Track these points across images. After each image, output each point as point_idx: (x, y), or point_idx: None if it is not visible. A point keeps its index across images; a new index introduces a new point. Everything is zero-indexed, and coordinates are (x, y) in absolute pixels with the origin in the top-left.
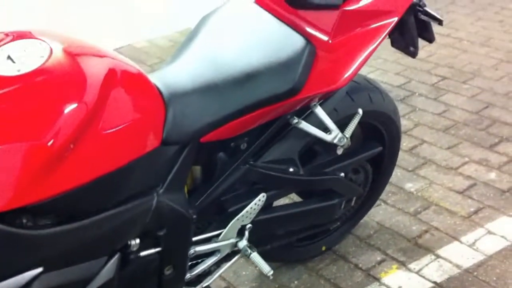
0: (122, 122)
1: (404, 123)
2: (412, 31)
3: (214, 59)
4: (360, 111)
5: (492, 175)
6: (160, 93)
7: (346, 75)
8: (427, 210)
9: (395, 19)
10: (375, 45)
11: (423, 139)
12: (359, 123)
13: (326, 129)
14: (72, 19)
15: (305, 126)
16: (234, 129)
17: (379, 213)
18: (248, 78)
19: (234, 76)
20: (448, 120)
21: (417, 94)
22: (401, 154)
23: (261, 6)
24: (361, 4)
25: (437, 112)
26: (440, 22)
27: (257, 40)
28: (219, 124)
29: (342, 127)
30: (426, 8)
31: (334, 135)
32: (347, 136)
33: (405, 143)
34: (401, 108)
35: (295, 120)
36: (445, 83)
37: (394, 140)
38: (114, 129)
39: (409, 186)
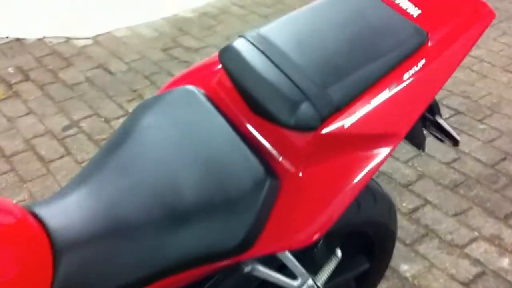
0: None
1: (407, 173)
2: (419, 135)
3: (137, 185)
4: (339, 253)
5: (505, 261)
6: (50, 238)
7: (318, 227)
8: None
9: (391, 147)
10: (361, 180)
11: (426, 199)
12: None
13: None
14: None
15: (262, 272)
16: None
17: None
18: (180, 222)
19: (160, 217)
20: (458, 174)
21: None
22: (399, 219)
23: (213, 102)
24: (345, 124)
25: (446, 161)
26: (455, 142)
27: (200, 160)
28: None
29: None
30: (439, 120)
31: (301, 283)
32: (318, 285)
33: (405, 202)
34: (405, 151)
35: (249, 268)
36: (458, 120)
37: (386, 250)
38: None
39: (405, 268)
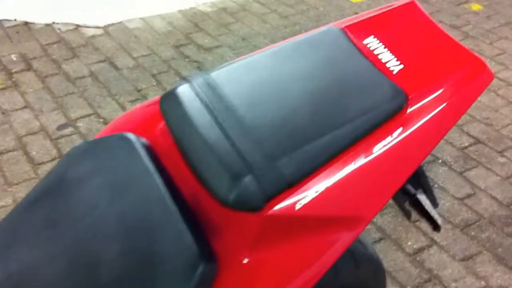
0: None
1: None
2: (403, 205)
3: (48, 256)
4: None
5: None
6: None
7: None
8: None
9: (356, 232)
10: (318, 269)
11: (433, 239)
12: None
13: None
14: None
15: None
16: None
17: None
18: None
19: None
20: (470, 212)
21: (440, 161)
22: (402, 260)
23: (153, 155)
24: (298, 204)
25: (459, 196)
26: (436, 227)
27: (125, 229)
28: None
29: None
30: (420, 196)
31: None
32: None
33: (411, 241)
34: None
35: None
36: (477, 150)
37: None
38: None
39: None
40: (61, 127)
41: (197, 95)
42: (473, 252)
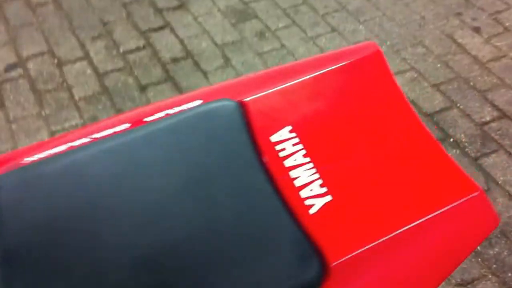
0: None
1: None
2: None
3: None
4: None
5: None
6: None
7: None
8: None
9: None
10: None
11: None
12: None
13: None
14: None
15: None
16: None
17: None
18: None
19: None
20: None
21: (452, 140)
22: None
23: None
24: None
25: None
26: None
27: None
28: None
29: None
30: None
31: None
32: None
33: None
34: None
35: None
36: (501, 127)
37: None
38: None
39: None
40: (9, 68)
41: None
42: (475, 275)
